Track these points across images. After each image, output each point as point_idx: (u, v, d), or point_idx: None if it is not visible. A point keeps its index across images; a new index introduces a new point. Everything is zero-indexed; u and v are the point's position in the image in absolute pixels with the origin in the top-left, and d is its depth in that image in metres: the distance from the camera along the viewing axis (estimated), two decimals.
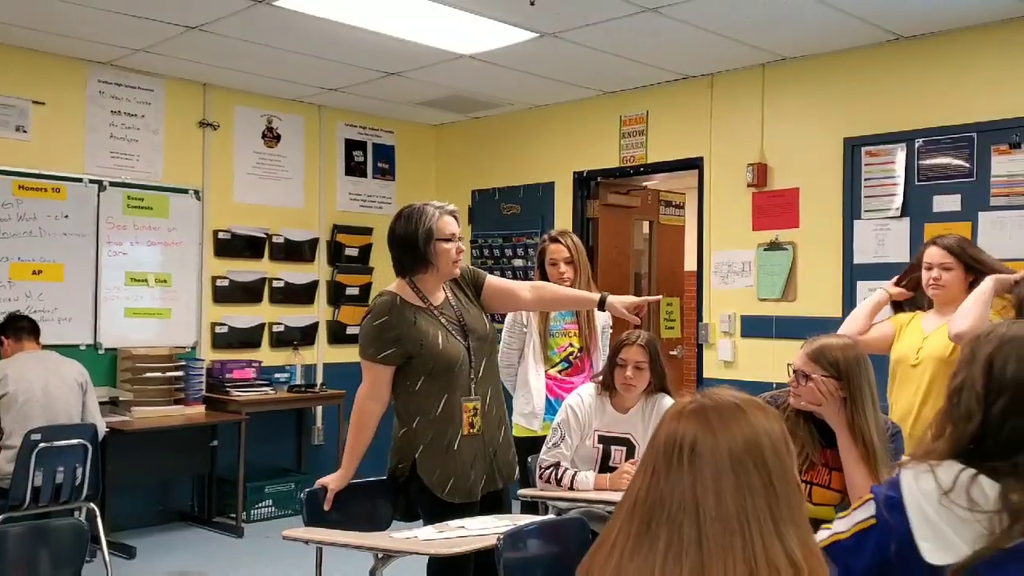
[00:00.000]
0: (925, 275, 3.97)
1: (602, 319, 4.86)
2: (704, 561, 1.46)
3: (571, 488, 3.90)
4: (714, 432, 1.54)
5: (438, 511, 3.46)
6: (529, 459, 4.33)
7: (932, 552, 1.67)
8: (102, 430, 5.55)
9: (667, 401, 4.09)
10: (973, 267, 3.88)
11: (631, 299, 3.83)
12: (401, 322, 3.48)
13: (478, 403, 3.58)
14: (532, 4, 5.05)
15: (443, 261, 3.55)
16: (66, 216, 6.41)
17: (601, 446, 4.06)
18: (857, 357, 3.18)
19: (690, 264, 7.58)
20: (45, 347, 5.71)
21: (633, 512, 1.56)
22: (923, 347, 3.92)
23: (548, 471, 3.97)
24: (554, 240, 4.89)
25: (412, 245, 3.52)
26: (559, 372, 4.85)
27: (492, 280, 3.84)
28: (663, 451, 1.56)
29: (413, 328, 3.48)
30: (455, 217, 3.62)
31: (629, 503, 1.58)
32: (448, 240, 3.54)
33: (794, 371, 3.23)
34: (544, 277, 4.82)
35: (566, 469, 3.94)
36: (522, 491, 4.03)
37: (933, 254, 3.94)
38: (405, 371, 3.54)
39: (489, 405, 3.65)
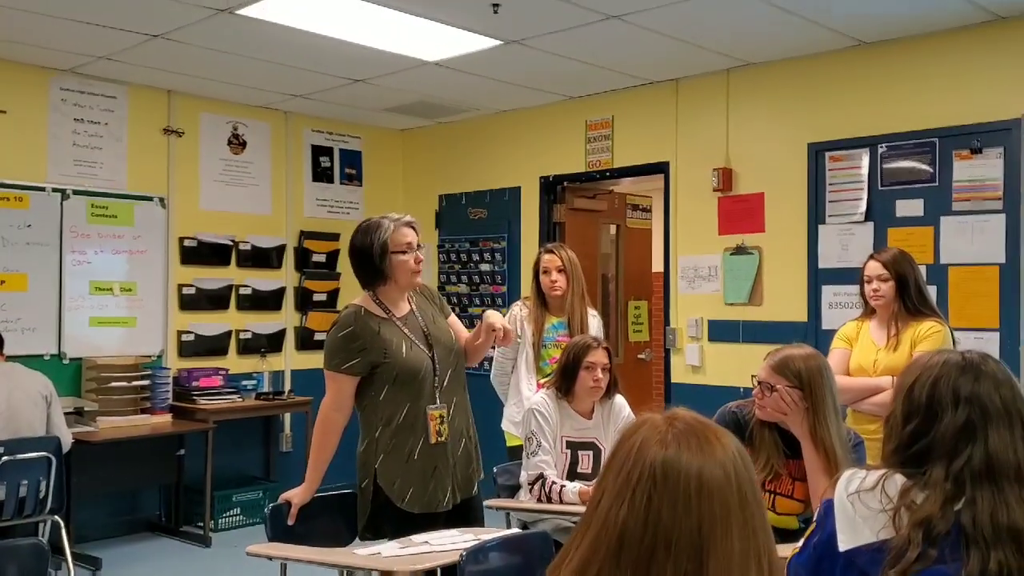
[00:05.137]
0: (867, 288, 4.34)
1: (594, 332, 4.88)
2: None
3: (560, 501, 3.87)
4: (722, 464, 1.42)
5: (403, 524, 3.47)
6: (495, 469, 4.34)
7: (844, 542, 1.86)
8: (67, 442, 5.49)
9: (620, 401, 4.20)
10: (899, 281, 4.25)
11: (502, 322, 3.80)
12: (366, 332, 3.54)
13: (444, 411, 3.63)
14: (496, 12, 5.06)
15: (400, 273, 3.61)
16: (29, 225, 6.34)
17: (569, 452, 4.08)
18: (820, 368, 3.21)
19: (658, 266, 7.61)
20: (9, 358, 5.63)
21: (620, 552, 1.39)
22: (878, 359, 4.27)
23: (535, 485, 3.96)
24: (548, 251, 4.99)
25: (369, 259, 3.60)
26: (549, 380, 4.88)
27: (452, 319, 3.95)
28: (661, 481, 1.40)
29: (377, 338, 3.54)
30: (413, 228, 3.67)
31: (612, 539, 1.40)
32: (403, 252, 3.59)
33: (758, 382, 3.25)
34: (539, 286, 4.93)
35: (554, 482, 3.92)
36: (488, 502, 4.02)
37: (871, 267, 4.33)
38: (370, 380, 3.58)
39: (453, 415, 3.68)
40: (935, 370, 1.96)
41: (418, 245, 3.67)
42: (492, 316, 3.76)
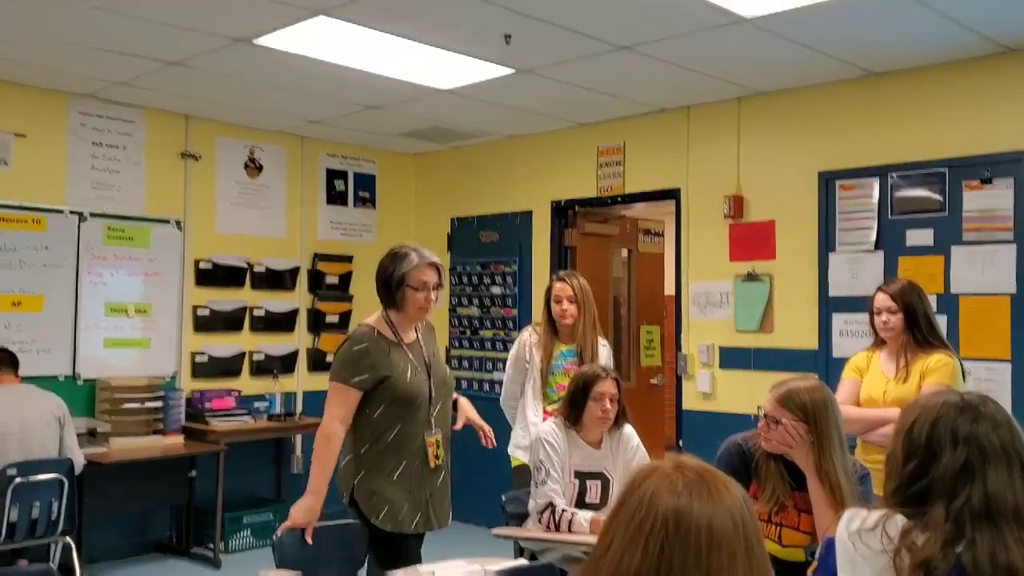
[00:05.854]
0: (876, 319, 4.36)
1: (604, 361, 4.91)
2: None
3: (569, 530, 3.89)
4: (731, 513, 1.46)
5: (382, 544, 3.66)
6: (503, 497, 4.36)
7: None
8: (79, 464, 5.54)
9: (629, 431, 4.23)
10: (908, 312, 4.26)
11: (474, 416, 4.22)
12: (378, 351, 3.71)
13: (439, 437, 3.82)
14: (508, 42, 5.11)
15: (409, 305, 3.78)
16: (46, 247, 6.41)
17: (577, 482, 4.09)
18: (824, 400, 3.21)
19: (670, 288, 7.64)
20: (24, 379, 5.70)
21: None
22: (888, 390, 4.26)
23: (545, 514, 3.98)
24: (560, 279, 5.03)
25: (387, 283, 3.80)
26: (556, 410, 4.90)
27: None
28: (673, 531, 1.44)
29: (387, 358, 3.72)
30: (437, 270, 3.84)
31: None
32: (418, 289, 3.76)
33: (764, 414, 3.26)
34: (550, 314, 4.99)
35: (563, 511, 3.94)
36: (496, 530, 4.04)
37: (880, 300, 4.35)
38: (368, 398, 3.72)
39: (443, 442, 3.86)
40: (934, 411, 1.99)
41: (437, 286, 3.83)
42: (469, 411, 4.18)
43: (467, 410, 4.23)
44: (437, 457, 3.78)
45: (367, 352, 3.69)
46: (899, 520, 1.91)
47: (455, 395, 4.15)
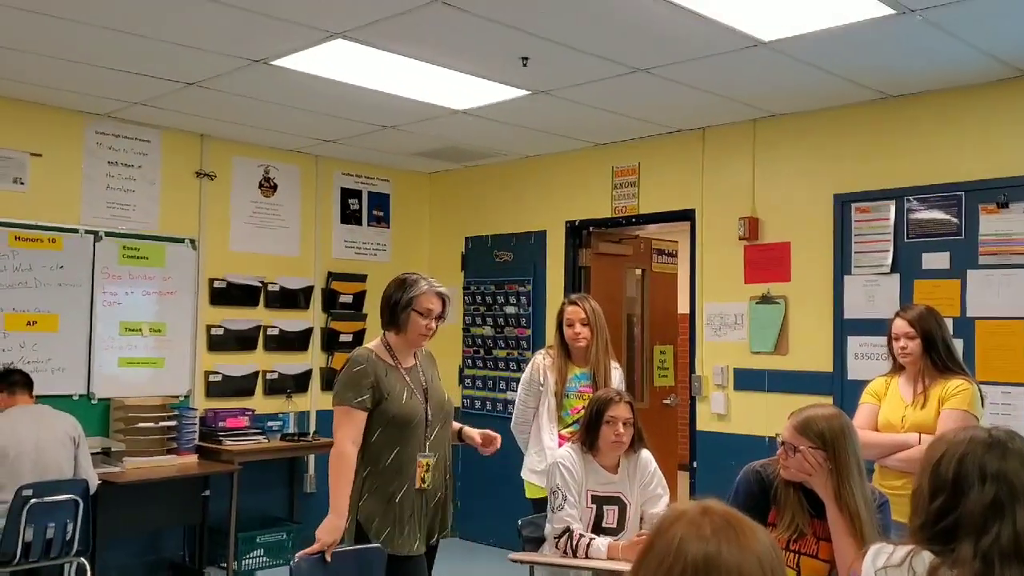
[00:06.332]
0: (894, 345, 4.35)
1: (616, 384, 4.90)
2: None
3: (586, 556, 3.89)
4: (758, 558, 1.46)
5: (389, 566, 3.71)
6: (520, 522, 4.35)
7: None
8: (94, 484, 5.54)
9: (646, 456, 4.22)
10: (926, 338, 4.26)
11: (482, 432, 4.23)
12: (376, 372, 3.84)
13: (431, 459, 3.89)
14: (525, 65, 5.12)
15: (411, 329, 3.90)
16: (61, 267, 6.43)
17: (594, 506, 4.08)
18: (843, 428, 3.20)
19: (684, 307, 7.63)
20: (39, 398, 5.71)
21: None
22: (906, 415, 4.26)
23: (562, 539, 3.97)
24: (572, 302, 5.06)
25: (392, 306, 3.93)
26: (572, 433, 4.89)
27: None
28: None
29: (384, 380, 3.84)
30: (443, 299, 3.94)
31: None
32: (423, 315, 3.87)
33: (782, 443, 3.25)
34: (563, 338, 5.00)
35: (581, 536, 3.94)
36: (512, 555, 4.03)
37: (898, 326, 4.34)
38: (367, 422, 3.82)
39: (435, 466, 3.91)
40: (961, 447, 1.98)
41: (440, 317, 3.92)
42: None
43: (469, 434, 4.24)
44: (423, 480, 3.84)
45: (365, 373, 3.81)
46: (926, 557, 1.90)
47: (457, 425, 4.20)
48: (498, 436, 4.21)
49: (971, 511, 1.90)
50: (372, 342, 4.02)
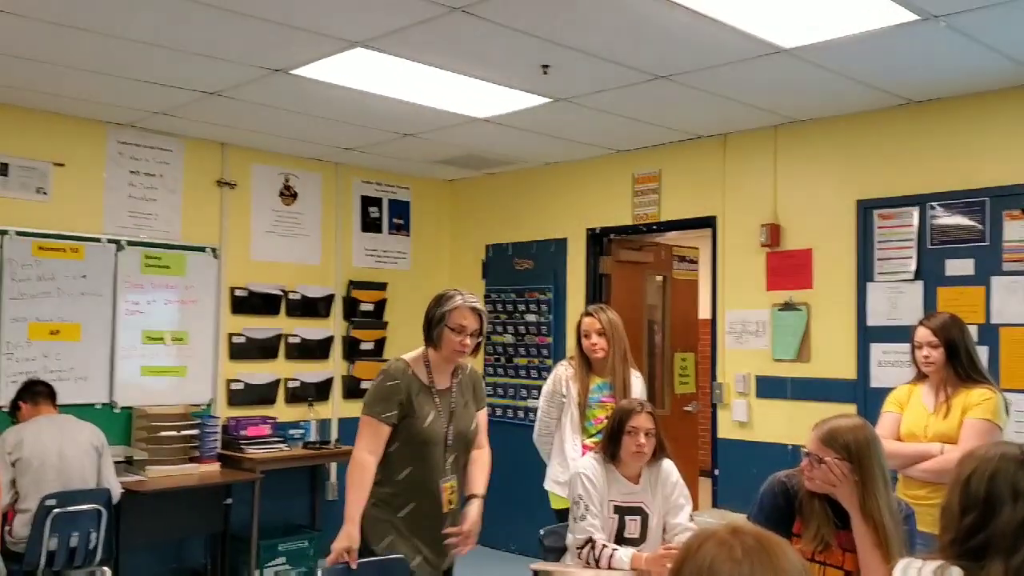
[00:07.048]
0: (917, 353, 4.32)
1: (637, 392, 4.89)
2: None
3: (608, 566, 3.86)
4: None
5: None
6: (542, 532, 4.34)
7: None
8: (117, 493, 5.57)
9: (668, 466, 4.19)
10: (949, 347, 4.22)
11: (471, 523, 3.90)
12: (408, 389, 3.80)
13: (454, 482, 3.87)
14: (545, 72, 5.12)
15: (444, 345, 3.82)
16: (84, 276, 6.46)
17: (616, 517, 4.06)
18: (868, 439, 3.17)
19: (704, 313, 7.60)
20: (61, 407, 5.73)
21: None
22: (929, 424, 4.23)
23: (585, 549, 3.95)
24: (588, 314, 5.06)
25: (428, 321, 3.88)
26: (595, 443, 4.88)
27: (482, 413, 4.11)
28: None
29: (414, 399, 3.81)
30: (479, 315, 3.84)
31: None
32: (455, 331, 3.79)
33: (806, 454, 3.23)
34: (581, 348, 5.00)
35: (604, 546, 3.92)
36: (534, 566, 4.02)
37: (921, 334, 4.32)
38: (391, 434, 3.79)
39: (457, 488, 3.90)
40: (992, 463, 1.97)
41: (477, 333, 3.83)
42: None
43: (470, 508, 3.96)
44: (451, 502, 3.84)
45: (398, 389, 3.78)
46: (955, 573, 1.87)
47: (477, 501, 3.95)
48: (473, 541, 3.91)
49: (1002, 530, 1.88)
50: (412, 353, 3.94)
